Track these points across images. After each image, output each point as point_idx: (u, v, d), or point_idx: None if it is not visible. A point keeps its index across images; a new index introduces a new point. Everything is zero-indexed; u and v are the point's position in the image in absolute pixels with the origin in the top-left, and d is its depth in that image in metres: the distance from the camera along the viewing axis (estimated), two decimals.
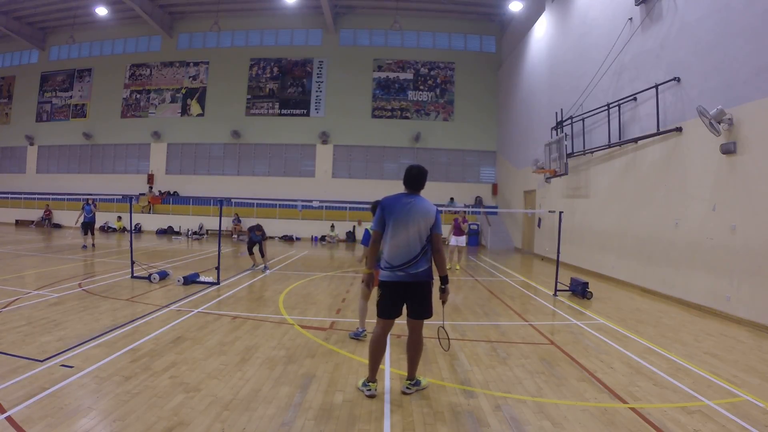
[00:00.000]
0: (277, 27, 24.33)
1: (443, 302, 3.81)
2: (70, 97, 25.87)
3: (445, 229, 12.30)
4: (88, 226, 13.87)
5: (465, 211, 13.35)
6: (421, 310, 3.70)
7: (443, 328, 4.20)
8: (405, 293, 3.68)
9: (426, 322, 3.79)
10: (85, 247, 13.64)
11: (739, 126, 6.81)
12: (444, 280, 3.75)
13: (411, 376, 3.83)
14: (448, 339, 4.31)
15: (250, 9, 23.75)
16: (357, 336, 5.23)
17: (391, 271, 3.65)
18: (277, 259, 13.07)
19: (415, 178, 3.78)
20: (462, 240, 11.84)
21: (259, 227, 10.48)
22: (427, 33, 24.04)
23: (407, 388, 3.79)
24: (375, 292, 3.91)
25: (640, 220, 9.50)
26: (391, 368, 4.31)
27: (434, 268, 3.77)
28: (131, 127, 24.83)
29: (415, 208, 3.67)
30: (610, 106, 10.62)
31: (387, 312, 3.70)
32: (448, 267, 11.79)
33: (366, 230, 4.96)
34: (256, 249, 10.45)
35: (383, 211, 3.70)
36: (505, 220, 21.26)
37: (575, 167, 12.63)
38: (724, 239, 7.06)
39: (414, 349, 3.78)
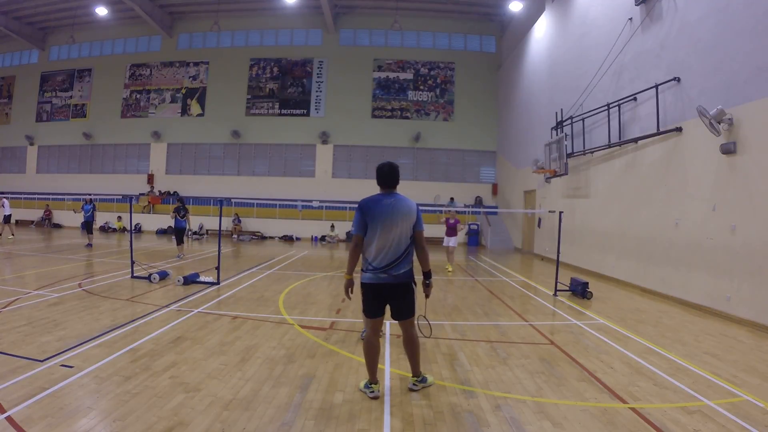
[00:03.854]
0: (277, 27, 24.31)
1: (426, 296, 3.82)
2: (70, 97, 25.86)
3: (441, 230, 12.23)
4: (87, 225, 14.33)
5: (456, 210, 13.14)
6: (404, 311, 3.71)
7: (424, 316, 4.13)
8: (388, 295, 3.66)
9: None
10: (89, 245, 13.90)
11: (739, 126, 6.80)
12: (427, 275, 3.75)
13: (416, 372, 3.85)
14: (429, 325, 4.25)
15: (250, 9, 23.73)
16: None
17: (374, 273, 3.61)
18: (276, 259, 13.08)
19: (388, 176, 3.69)
20: (454, 241, 11.58)
21: (184, 206, 11.22)
22: (427, 33, 24.02)
23: (414, 384, 3.81)
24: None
25: (640, 220, 9.49)
26: (391, 368, 4.31)
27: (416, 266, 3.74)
28: (131, 127, 24.82)
29: (398, 209, 3.59)
30: (610, 106, 10.61)
31: (373, 311, 3.69)
32: (449, 270, 11.83)
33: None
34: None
35: (363, 214, 3.59)
36: (505, 220, 21.25)
37: (575, 167, 12.63)
38: (724, 239, 7.06)
39: (410, 345, 3.80)
